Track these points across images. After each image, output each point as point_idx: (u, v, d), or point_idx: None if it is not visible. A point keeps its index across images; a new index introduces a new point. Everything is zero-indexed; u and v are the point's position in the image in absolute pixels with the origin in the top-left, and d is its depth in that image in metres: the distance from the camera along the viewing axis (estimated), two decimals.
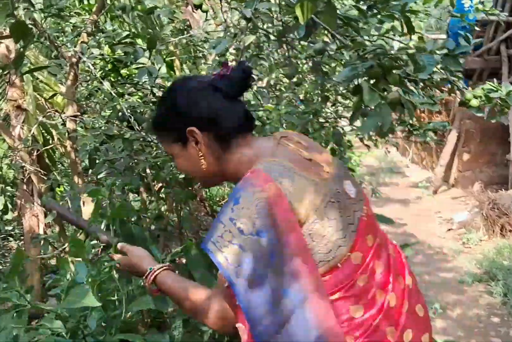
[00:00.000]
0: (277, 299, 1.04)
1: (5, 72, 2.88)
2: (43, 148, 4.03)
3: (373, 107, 1.37)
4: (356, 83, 1.53)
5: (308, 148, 1.24)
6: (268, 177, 1.11)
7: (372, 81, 1.34)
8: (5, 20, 1.46)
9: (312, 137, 2.27)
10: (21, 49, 2.03)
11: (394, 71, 1.35)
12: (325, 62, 2.32)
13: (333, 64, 2.52)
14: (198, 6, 2.50)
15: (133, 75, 3.62)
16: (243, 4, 2.46)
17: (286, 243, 1.06)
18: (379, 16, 1.84)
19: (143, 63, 3.13)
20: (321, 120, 2.67)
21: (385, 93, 1.33)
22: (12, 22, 1.47)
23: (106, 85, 2.68)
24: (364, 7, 1.89)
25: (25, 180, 3.69)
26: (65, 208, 1.97)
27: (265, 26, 2.64)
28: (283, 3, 1.91)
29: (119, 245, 1.54)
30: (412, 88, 1.58)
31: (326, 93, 2.55)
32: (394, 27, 2.08)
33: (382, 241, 1.26)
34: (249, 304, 1.05)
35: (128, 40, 2.62)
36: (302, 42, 2.69)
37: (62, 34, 3.45)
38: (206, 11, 2.53)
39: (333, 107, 3.17)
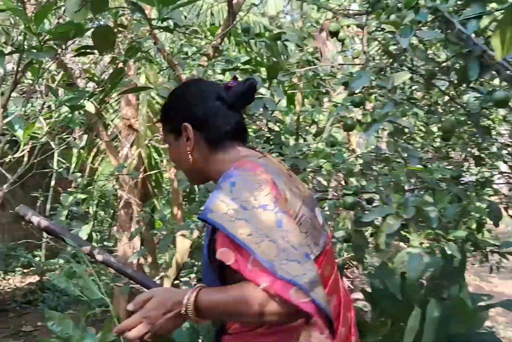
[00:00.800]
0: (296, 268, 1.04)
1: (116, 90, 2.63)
2: (146, 174, 3.83)
3: None
4: None
5: (288, 170, 1.34)
6: (260, 165, 1.17)
7: None
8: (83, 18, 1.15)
9: (464, 209, 1.76)
10: (121, 64, 1.75)
11: None
12: (485, 116, 1.81)
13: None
14: (334, 34, 2.12)
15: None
16: (389, 34, 2.04)
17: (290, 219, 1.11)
18: None
19: (262, 94, 2.80)
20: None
21: None
22: (97, 27, 1.15)
23: None
24: None
25: (121, 205, 3.49)
26: (42, 217, 1.67)
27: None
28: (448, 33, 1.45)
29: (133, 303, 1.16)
30: None
31: (480, 153, 2.03)
32: None
33: (337, 276, 1.31)
34: (273, 263, 1.02)
35: (248, 67, 2.30)
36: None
37: (184, 55, 3.24)
38: (343, 40, 2.14)
39: (478, 168, 2.61)
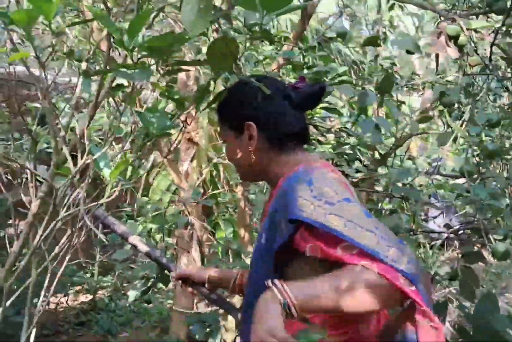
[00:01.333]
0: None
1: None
2: (210, 193, 3.55)
3: None
4: None
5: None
6: (328, 165, 1.25)
7: None
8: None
9: None
10: (209, 80, 1.46)
11: None
12: None
13: None
14: (453, 38, 1.79)
15: (316, 117, 3.01)
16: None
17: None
18: None
19: (329, 103, 2.47)
20: None
21: None
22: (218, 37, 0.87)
23: None
24: None
25: (187, 228, 3.22)
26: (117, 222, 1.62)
27: None
28: None
29: None
30: None
31: None
32: None
33: None
34: (377, 251, 1.00)
35: (345, 78, 1.99)
36: None
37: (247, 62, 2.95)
38: (463, 46, 1.81)
39: None
